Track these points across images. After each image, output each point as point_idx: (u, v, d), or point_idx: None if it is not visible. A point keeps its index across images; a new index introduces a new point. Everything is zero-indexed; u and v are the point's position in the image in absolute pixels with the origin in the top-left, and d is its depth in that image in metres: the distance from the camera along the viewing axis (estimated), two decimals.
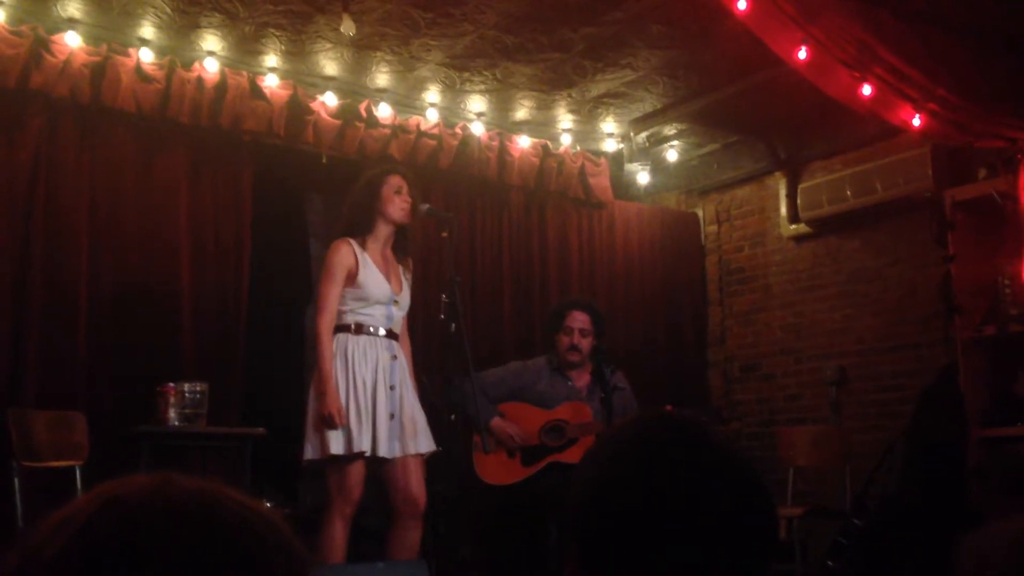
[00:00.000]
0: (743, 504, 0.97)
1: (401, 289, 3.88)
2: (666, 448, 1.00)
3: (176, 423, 4.16)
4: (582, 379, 4.65)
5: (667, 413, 1.06)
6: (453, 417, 3.81)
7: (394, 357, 3.78)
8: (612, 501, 0.97)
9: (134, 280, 4.44)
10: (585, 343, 4.57)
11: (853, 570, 4.29)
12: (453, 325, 3.72)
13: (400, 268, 3.93)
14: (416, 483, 3.74)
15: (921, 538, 4.18)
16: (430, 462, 3.91)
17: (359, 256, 3.77)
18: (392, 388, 3.72)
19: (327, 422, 3.57)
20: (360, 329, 3.73)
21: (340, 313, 3.75)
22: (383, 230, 3.87)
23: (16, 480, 3.74)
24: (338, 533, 3.61)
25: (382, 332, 3.78)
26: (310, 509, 4.39)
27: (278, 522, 0.68)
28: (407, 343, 3.99)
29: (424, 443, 3.78)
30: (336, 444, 3.58)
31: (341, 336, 3.71)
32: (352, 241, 3.80)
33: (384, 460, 3.68)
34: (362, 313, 3.75)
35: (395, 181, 3.88)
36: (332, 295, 3.71)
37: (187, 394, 4.20)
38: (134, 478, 0.67)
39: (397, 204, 3.85)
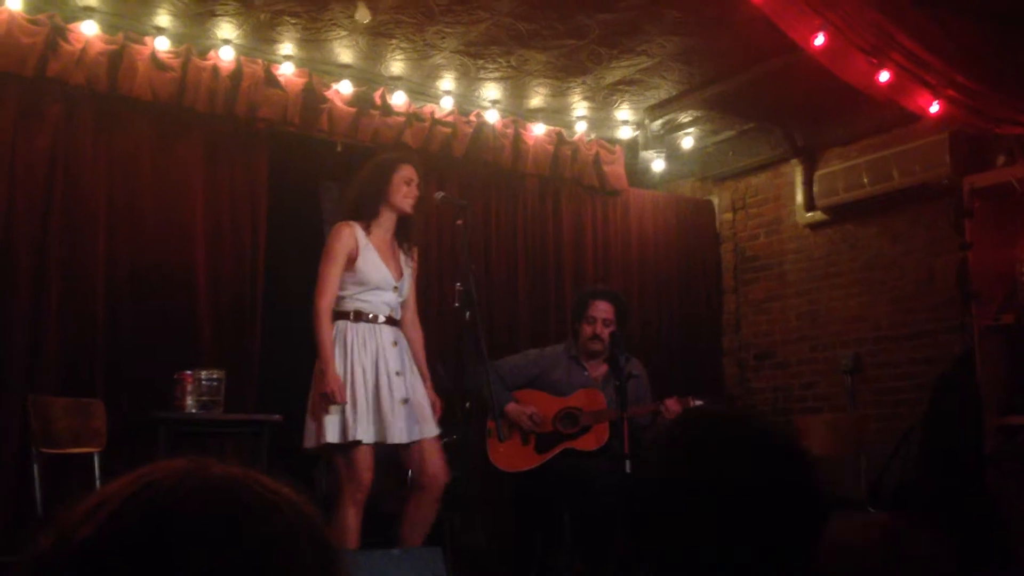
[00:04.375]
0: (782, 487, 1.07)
1: (401, 276, 3.87)
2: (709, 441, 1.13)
3: (193, 410, 4.19)
4: (599, 368, 4.64)
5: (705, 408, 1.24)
6: (468, 404, 3.82)
7: (395, 343, 3.78)
8: (668, 493, 1.09)
9: (151, 267, 4.47)
10: (607, 333, 4.56)
11: None
12: (468, 313, 3.72)
13: (403, 256, 3.92)
14: (438, 461, 3.75)
15: (937, 526, 4.17)
16: (444, 449, 3.91)
17: (360, 240, 3.77)
18: (399, 374, 3.72)
19: (328, 400, 3.58)
20: (359, 316, 3.73)
21: (340, 299, 3.74)
22: (387, 217, 3.85)
23: (35, 467, 3.78)
24: (351, 519, 3.62)
25: (382, 319, 3.77)
26: (325, 495, 4.42)
27: (308, 509, 0.70)
28: (419, 331, 3.99)
29: (430, 427, 3.79)
30: (332, 432, 3.58)
31: (340, 324, 3.71)
32: (355, 225, 3.79)
33: (398, 445, 3.69)
34: (361, 299, 3.74)
35: (407, 172, 3.85)
36: (332, 277, 3.71)
37: (204, 381, 4.23)
38: (170, 463, 0.68)
39: (404, 193, 3.84)
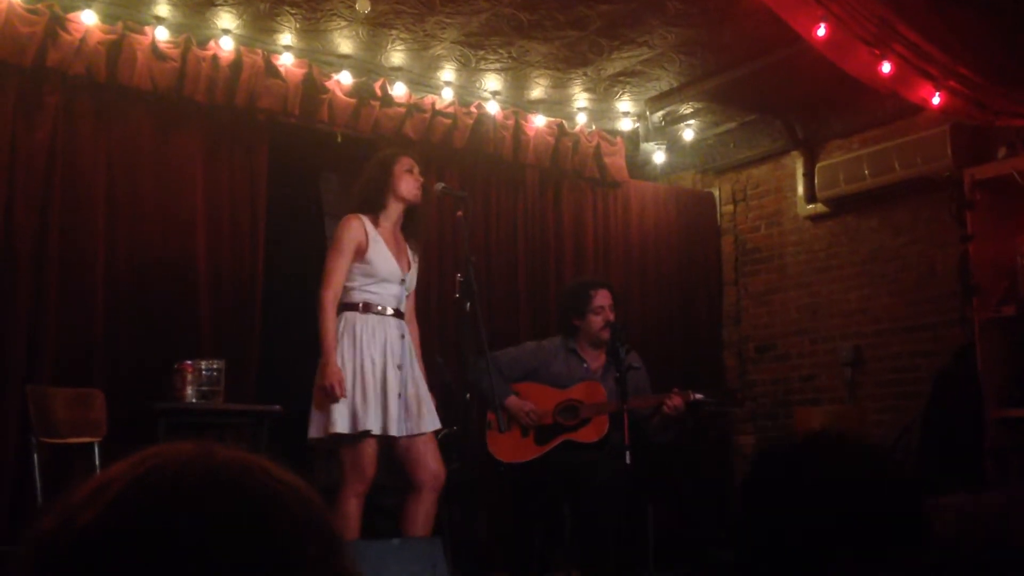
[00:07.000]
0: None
1: (409, 268, 3.87)
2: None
3: (193, 400, 4.20)
4: (597, 360, 4.64)
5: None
6: (468, 396, 3.81)
7: (402, 336, 3.78)
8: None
9: (151, 258, 4.46)
10: (613, 318, 4.58)
11: None
12: (468, 304, 3.72)
13: (409, 249, 3.93)
14: (435, 457, 3.75)
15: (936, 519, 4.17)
16: (443, 441, 3.91)
17: (369, 232, 3.77)
18: (400, 367, 3.72)
19: (328, 394, 3.58)
20: (368, 308, 3.73)
21: (348, 290, 3.74)
22: (394, 208, 3.87)
23: (35, 456, 3.78)
24: (352, 511, 3.62)
25: (390, 311, 3.77)
26: (324, 487, 4.42)
27: (313, 497, 0.69)
28: (415, 325, 3.99)
29: (431, 422, 3.79)
30: (340, 422, 3.58)
31: (349, 315, 3.71)
32: (363, 217, 3.80)
33: (396, 439, 3.70)
34: (369, 291, 3.74)
35: (407, 162, 3.90)
36: (339, 269, 3.71)
37: (204, 371, 4.24)
38: (175, 446, 0.68)
39: (408, 182, 3.85)
